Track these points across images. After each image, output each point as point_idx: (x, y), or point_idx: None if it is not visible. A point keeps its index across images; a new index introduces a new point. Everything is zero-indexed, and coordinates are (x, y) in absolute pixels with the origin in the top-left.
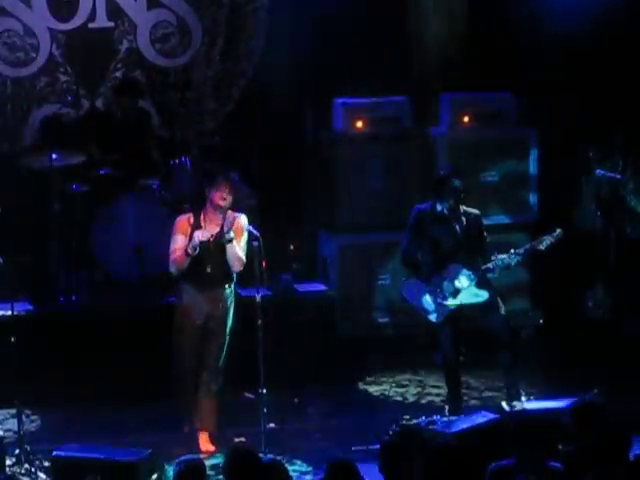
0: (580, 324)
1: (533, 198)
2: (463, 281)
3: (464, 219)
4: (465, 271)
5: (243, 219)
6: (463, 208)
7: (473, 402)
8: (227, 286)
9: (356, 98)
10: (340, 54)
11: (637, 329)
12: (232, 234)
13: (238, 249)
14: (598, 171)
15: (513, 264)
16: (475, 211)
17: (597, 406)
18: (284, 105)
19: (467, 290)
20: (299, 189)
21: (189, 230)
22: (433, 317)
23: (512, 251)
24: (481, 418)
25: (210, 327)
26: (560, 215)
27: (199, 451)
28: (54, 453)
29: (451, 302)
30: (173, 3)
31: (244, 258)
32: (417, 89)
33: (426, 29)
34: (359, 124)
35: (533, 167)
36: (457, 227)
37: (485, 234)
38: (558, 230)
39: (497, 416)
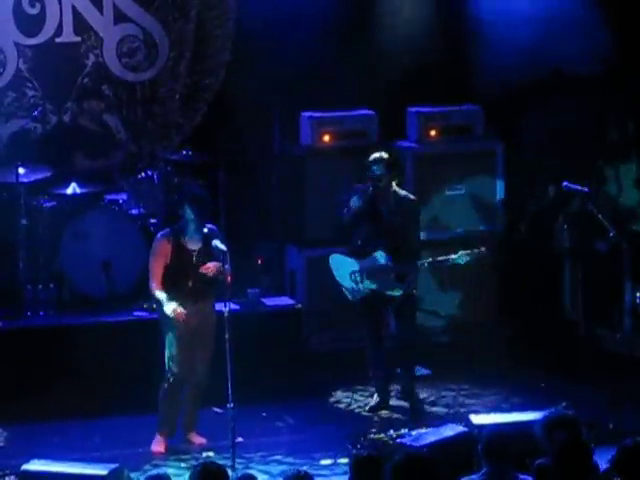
0: (549, 338)
1: (500, 211)
2: (381, 266)
3: (393, 202)
4: (385, 256)
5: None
6: (397, 192)
7: (441, 415)
8: (210, 299)
9: (323, 112)
10: (307, 67)
11: (607, 345)
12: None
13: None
14: (565, 184)
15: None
16: (410, 196)
17: (568, 419)
18: (252, 119)
19: (385, 279)
20: (267, 203)
21: (169, 251)
22: (349, 296)
23: (430, 259)
24: (449, 431)
25: (198, 338)
26: (526, 228)
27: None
28: (22, 468)
29: (366, 286)
30: (140, 17)
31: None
32: (384, 102)
33: (392, 42)
34: (326, 138)
35: (500, 180)
36: (384, 210)
37: (418, 225)
38: (482, 248)
39: (466, 429)
